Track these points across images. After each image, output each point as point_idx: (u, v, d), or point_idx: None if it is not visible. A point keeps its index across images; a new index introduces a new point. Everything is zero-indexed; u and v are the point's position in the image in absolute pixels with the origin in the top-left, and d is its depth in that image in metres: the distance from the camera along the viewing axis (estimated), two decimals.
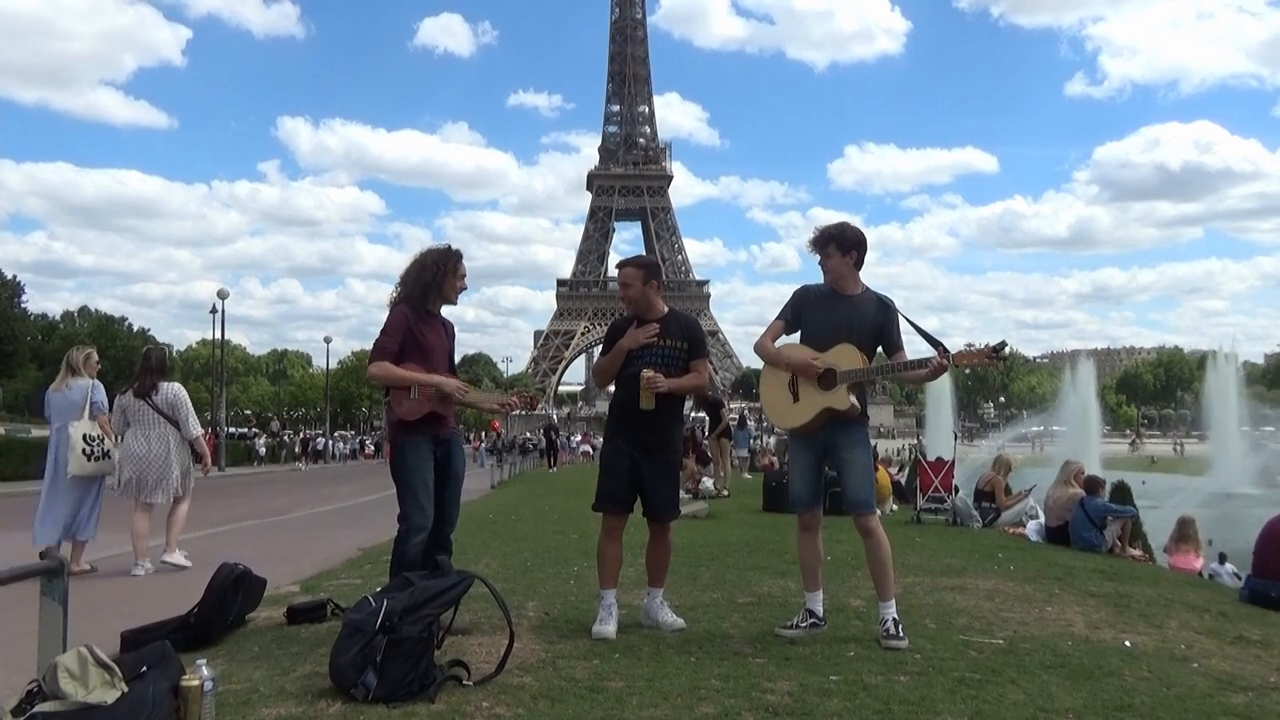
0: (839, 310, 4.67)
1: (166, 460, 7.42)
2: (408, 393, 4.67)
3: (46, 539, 7.05)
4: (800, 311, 4.78)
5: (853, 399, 4.56)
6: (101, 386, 7.49)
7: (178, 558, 7.39)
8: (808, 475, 4.81)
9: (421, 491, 4.65)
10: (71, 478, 7.12)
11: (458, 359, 5.28)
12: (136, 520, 7.34)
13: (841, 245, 4.65)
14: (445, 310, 4.93)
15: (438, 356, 4.77)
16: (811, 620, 4.70)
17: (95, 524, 7.37)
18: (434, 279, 4.74)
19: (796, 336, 4.82)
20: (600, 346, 5.41)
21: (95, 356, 7.72)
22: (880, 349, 4.71)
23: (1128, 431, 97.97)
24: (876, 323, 4.65)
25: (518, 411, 5.63)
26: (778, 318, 4.84)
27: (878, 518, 4.79)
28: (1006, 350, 4.38)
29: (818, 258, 4.73)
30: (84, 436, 7.12)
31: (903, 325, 4.75)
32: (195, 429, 7.67)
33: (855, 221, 4.82)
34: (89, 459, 7.12)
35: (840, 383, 4.54)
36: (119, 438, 7.48)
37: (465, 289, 4.89)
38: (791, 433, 4.90)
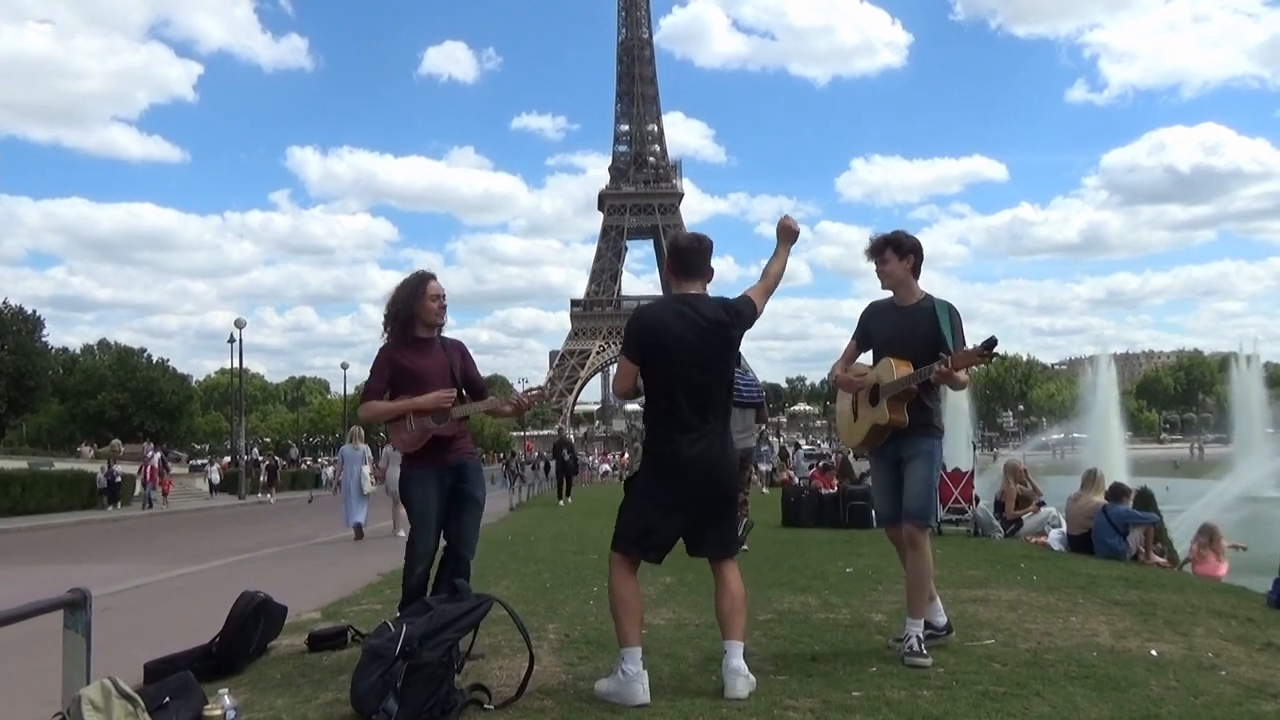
0: (896, 322, 4.63)
1: None
2: (405, 425, 4.76)
3: (351, 522, 14.32)
4: (868, 328, 4.75)
5: (896, 413, 4.47)
6: (368, 447, 15.47)
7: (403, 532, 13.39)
8: (886, 492, 4.74)
9: (421, 522, 4.79)
10: (363, 494, 14.53)
11: None
12: (395, 509, 13.49)
13: (898, 249, 4.60)
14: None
15: (436, 379, 4.78)
16: (929, 632, 4.56)
17: (367, 514, 14.60)
18: (404, 309, 4.83)
19: (870, 355, 4.76)
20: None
21: (363, 430, 15.84)
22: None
23: (1163, 437, 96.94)
24: (930, 332, 4.53)
25: (535, 407, 5.70)
26: (851, 339, 4.84)
27: (928, 534, 4.64)
28: (996, 346, 4.25)
29: (874, 266, 4.65)
30: (367, 473, 14.66)
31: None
32: None
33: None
34: (371, 484, 14.66)
35: (881, 397, 4.52)
36: (385, 472, 14.25)
37: (442, 307, 4.89)
38: (863, 449, 4.97)
